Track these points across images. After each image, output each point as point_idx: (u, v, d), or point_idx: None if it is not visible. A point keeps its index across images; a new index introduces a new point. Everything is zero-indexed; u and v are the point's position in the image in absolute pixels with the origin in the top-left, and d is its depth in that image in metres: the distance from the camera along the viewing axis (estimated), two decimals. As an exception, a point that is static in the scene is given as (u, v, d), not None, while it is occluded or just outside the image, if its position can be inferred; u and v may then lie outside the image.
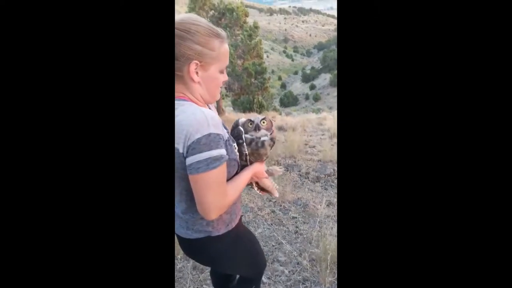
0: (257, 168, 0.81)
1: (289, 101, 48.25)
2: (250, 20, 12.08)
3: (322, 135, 5.16)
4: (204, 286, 1.50)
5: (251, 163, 0.80)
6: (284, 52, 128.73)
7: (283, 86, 76.17)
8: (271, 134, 0.81)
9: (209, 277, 1.50)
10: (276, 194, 0.93)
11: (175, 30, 0.64)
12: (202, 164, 0.61)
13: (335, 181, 2.84)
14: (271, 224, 2.09)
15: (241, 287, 1.01)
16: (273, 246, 1.83)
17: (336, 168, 3.07)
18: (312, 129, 5.91)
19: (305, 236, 1.92)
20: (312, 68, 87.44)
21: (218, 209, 0.66)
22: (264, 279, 1.53)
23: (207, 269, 1.55)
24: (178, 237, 0.80)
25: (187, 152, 0.62)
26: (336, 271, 1.49)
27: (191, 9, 10.98)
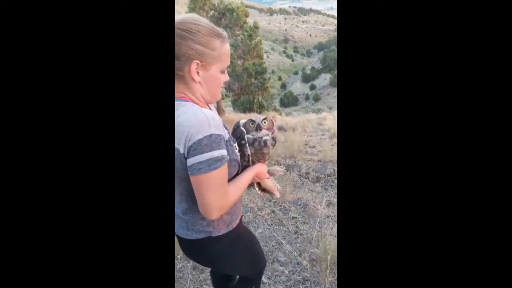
0: (259, 169, 0.81)
1: (289, 101, 48.25)
2: (250, 20, 12.08)
3: (322, 135, 5.16)
4: (204, 286, 1.50)
5: (253, 163, 0.80)
6: (284, 52, 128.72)
7: (283, 86, 76.17)
8: (272, 133, 0.81)
9: (209, 277, 1.50)
10: (278, 195, 0.93)
11: (176, 29, 0.64)
12: (203, 165, 0.61)
13: (335, 181, 2.83)
14: (271, 224, 2.09)
15: (241, 287, 1.01)
16: (273, 246, 1.83)
17: (336, 168, 3.07)
18: (312, 129, 5.91)
19: (305, 236, 1.92)
20: (312, 68, 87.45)
21: (220, 210, 0.66)
22: (264, 279, 1.53)
23: (207, 269, 1.55)
24: (178, 237, 0.80)
25: (188, 153, 0.62)
26: (336, 271, 1.49)
27: (191, 9, 10.98)
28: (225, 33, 0.71)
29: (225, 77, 0.74)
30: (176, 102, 0.67)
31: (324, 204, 2.28)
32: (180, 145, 0.62)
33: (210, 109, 0.76)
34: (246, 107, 12.04)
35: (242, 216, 0.89)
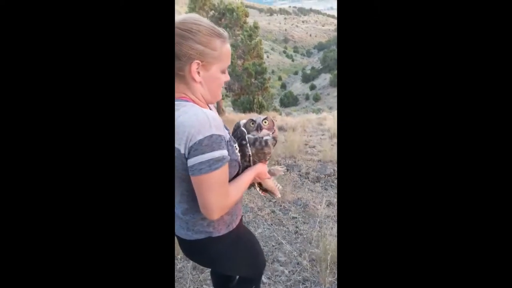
0: (260, 169, 0.81)
1: (289, 101, 48.26)
2: (250, 20, 12.08)
3: (322, 135, 5.16)
4: (204, 286, 1.50)
5: (254, 163, 0.80)
6: (284, 52, 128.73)
7: (283, 86, 76.18)
8: (273, 133, 0.81)
9: (209, 277, 1.50)
10: (279, 195, 0.93)
11: (177, 29, 0.64)
12: (204, 165, 0.61)
13: (335, 181, 2.83)
14: (271, 224, 2.09)
15: (241, 287, 1.01)
16: (273, 246, 1.83)
17: (336, 168, 3.07)
18: (312, 129, 5.91)
19: (305, 236, 1.92)
20: (312, 68, 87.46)
21: (221, 210, 0.66)
22: (264, 279, 1.53)
23: (207, 269, 1.55)
24: (178, 238, 0.80)
25: (188, 153, 0.62)
26: (336, 271, 1.49)
27: (191, 9, 10.99)
28: (225, 33, 0.71)
29: (226, 77, 0.74)
30: (176, 102, 0.67)
31: (324, 204, 2.28)
32: (180, 146, 0.62)
33: (210, 109, 0.76)
34: (246, 107, 12.04)
35: (242, 216, 0.89)
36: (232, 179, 0.73)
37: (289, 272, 1.59)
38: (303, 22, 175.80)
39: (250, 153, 0.78)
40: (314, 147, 4.17)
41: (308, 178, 2.94)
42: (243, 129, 0.80)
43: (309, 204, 2.35)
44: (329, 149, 3.71)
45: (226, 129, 0.74)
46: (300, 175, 3.01)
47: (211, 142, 0.61)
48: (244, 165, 0.79)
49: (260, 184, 0.91)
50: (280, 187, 0.95)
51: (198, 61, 0.66)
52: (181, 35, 0.64)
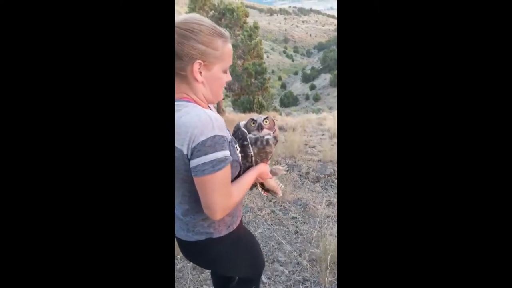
0: (262, 169, 0.81)
1: (289, 101, 48.27)
2: (250, 20, 12.08)
3: (322, 135, 5.15)
4: (204, 286, 1.50)
5: (256, 163, 0.80)
6: (284, 52, 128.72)
7: (283, 86, 76.19)
8: (274, 133, 0.81)
9: (209, 277, 1.50)
10: (281, 194, 0.93)
11: (179, 29, 0.64)
12: (207, 166, 0.61)
13: (335, 181, 2.83)
14: (271, 224, 2.09)
15: (241, 287, 1.01)
16: (273, 246, 1.83)
17: (336, 168, 3.07)
18: (312, 129, 5.91)
19: (305, 236, 1.92)
20: (312, 68, 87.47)
21: (224, 210, 0.66)
22: (264, 279, 1.53)
23: (207, 270, 1.55)
24: (178, 239, 0.80)
25: (191, 154, 0.62)
26: (336, 271, 1.49)
27: (191, 9, 10.99)
28: (227, 33, 0.71)
29: (227, 77, 0.74)
30: (178, 103, 0.67)
31: (324, 204, 2.28)
32: (183, 146, 0.62)
33: (210, 109, 0.76)
34: (246, 107, 12.05)
35: (242, 216, 0.89)
36: (233, 179, 0.73)
37: (289, 272, 1.59)
38: (303, 22, 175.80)
39: (252, 153, 0.78)
40: (314, 147, 4.16)
41: (308, 178, 2.94)
42: (244, 129, 0.80)
43: (309, 204, 2.35)
44: (329, 149, 3.71)
45: (227, 129, 0.74)
46: (300, 175, 3.01)
47: (214, 143, 0.62)
48: (246, 165, 0.79)
49: (262, 184, 0.91)
50: (282, 186, 0.95)
51: (200, 61, 0.66)
52: (183, 35, 0.64)
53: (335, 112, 9.24)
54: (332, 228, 1.92)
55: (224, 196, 0.65)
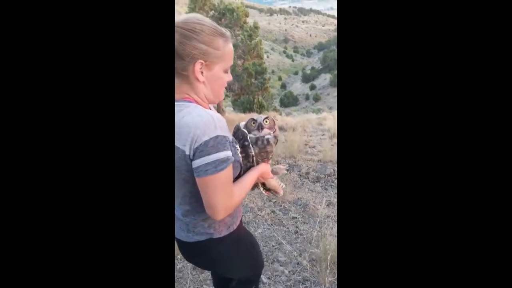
0: (263, 169, 0.81)
1: (289, 101, 48.28)
2: (250, 20, 12.08)
3: (322, 135, 5.15)
4: (204, 286, 1.50)
5: (258, 163, 0.80)
6: (284, 52, 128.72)
7: (283, 86, 76.20)
8: (274, 132, 0.81)
9: (209, 277, 1.50)
10: (282, 193, 0.93)
11: (181, 29, 0.64)
12: (210, 166, 0.61)
13: (335, 181, 2.83)
14: (271, 224, 2.09)
15: (241, 287, 1.01)
16: (273, 246, 1.83)
17: (336, 168, 3.07)
18: (312, 129, 5.91)
19: (305, 236, 1.92)
20: (312, 68, 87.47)
21: (226, 210, 0.66)
22: (264, 279, 1.53)
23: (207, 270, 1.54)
24: (178, 240, 0.79)
25: (193, 155, 0.62)
26: (336, 271, 1.49)
27: (191, 9, 10.98)
28: (228, 33, 0.71)
29: (229, 77, 0.74)
30: (180, 103, 0.67)
31: (324, 204, 2.28)
32: (185, 147, 0.62)
33: (210, 109, 0.76)
34: (246, 107, 12.05)
35: (242, 216, 0.89)
36: (234, 180, 0.73)
37: (289, 272, 1.59)
38: (303, 22, 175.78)
39: (253, 153, 0.78)
40: (314, 147, 4.16)
41: (308, 178, 2.94)
42: (244, 130, 0.80)
43: (309, 204, 2.35)
44: (329, 149, 3.71)
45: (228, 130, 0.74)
46: (300, 175, 3.01)
47: (216, 143, 0.62)
48: (248, 165, 0.79)
49: (263, 184, 0.91)
50: (283, 185, 0.95)
51: (201, 60, 0.66)
52: (184, 35, 0.64)
53: (335, 112, 9.25)
54: (332, 228, 1.92)
55: (226, 196, 0.65)
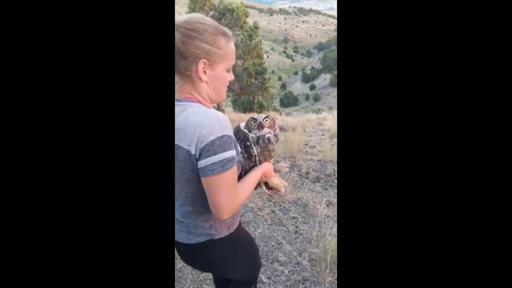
0: (266, 168, 0.81)
1: (289, 101, 48.29)
2: (250, 21, 12.08)
3: (322, 135, 5.15)
4: (204, 286, 1.50)
5: (260, 163, 0.81)
6: (284, 52, 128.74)
7: (283, 86, 76.22)
8: (274, 131, 0.82)
9: (209, 277, 1.50)
10: (283, 191, 0.94)
11: (183, 29, 0.64)
12: (217, 166, 0.61)
13: (335, 181, 2.83)
14: (271, 224, 2.09)
15: (241, 287, 1.01)
16: (273, 246, 1.83)
17: (336, 168, 3.07)
18: (312, 129, 5.91)
19: (305, 236, 1.92)
20: (312, 68, 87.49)
21: (231, 210, 0.67)
22: (264, 279, 1.53)
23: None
24: (177, 243, 0.79)
25: (200, 155, 0.62)
26: (336, 271, 1.49)
27: (191, 9, 10.98)
28: (230, 32, 0.71)
29: (231, 76, 0.74)
30: (183, 103, 0.67)
31: (324, 204, 2.28)
32: (191, 147, 0.62)
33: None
34: (246, 107, 12.05)
35: (241, 216, 0.89)
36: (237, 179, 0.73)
37: (289, 272, 1.59)
38: (303, 22, 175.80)
39: (256, 153, 0.78)
40: (314, 147, 4.16)
41: (308, 178, 2.94)
42: (245, 130, 0.80)
43: (309, 204, 2.36)
44: (329, 149, 3.71)
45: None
46: (300, 175, 3.01)
47: (222, 143, 0.62)
48: (250, 166, 0.79)
49: (266, 183, 0.91)
50: (285, 183, 0.96)
51: (204, 60, 0.66)
52: (187, 34, 0.64)
53: (335, 112, 9.24)
54: (332, 228, 1.92)
55: (232, 196, 0.65)
